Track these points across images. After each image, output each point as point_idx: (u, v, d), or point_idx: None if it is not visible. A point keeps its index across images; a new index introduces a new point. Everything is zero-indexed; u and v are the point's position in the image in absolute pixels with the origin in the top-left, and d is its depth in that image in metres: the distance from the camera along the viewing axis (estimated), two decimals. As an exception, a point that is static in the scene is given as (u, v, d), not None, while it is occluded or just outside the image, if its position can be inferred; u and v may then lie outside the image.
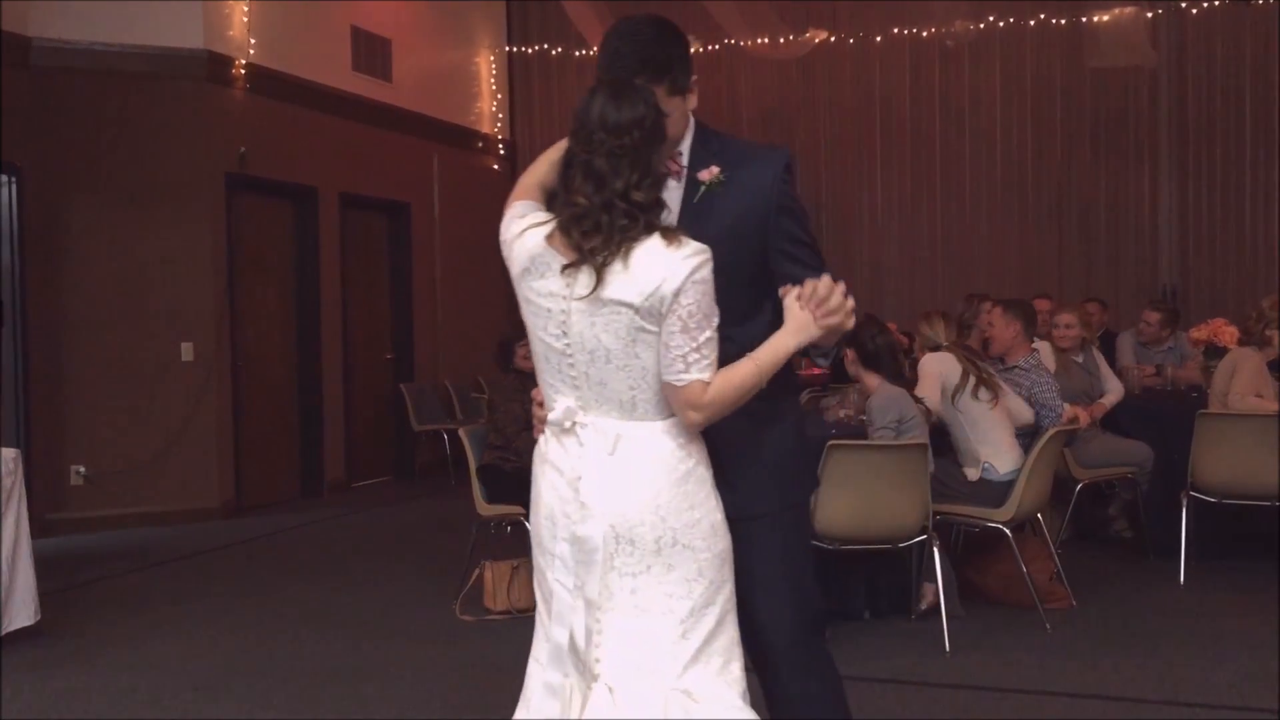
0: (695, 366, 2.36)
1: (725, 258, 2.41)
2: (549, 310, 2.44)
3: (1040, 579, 5.57)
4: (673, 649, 2.42)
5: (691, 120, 2.66)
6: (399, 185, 10.86)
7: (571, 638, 2.45)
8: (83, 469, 8.33)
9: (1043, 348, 6.56)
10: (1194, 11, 10.94)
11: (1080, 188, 11.36)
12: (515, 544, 6.14)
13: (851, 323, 2.44)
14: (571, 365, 2.44)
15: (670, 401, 2.41)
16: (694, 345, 2.35)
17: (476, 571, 5.90)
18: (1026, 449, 5.53)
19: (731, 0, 10.97)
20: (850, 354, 5.47)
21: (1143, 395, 7.27)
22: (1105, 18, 10.86)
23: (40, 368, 8.15)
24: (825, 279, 2.42)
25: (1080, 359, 6.96)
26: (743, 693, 2.47)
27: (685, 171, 2.62)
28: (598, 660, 2.44)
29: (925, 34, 11.58)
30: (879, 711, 4.32)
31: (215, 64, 8.67)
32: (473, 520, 6.17)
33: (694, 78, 2.62)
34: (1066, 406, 6.05)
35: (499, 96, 12.52)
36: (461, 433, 6.29)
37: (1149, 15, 10.83)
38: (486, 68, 12.40)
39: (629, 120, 2.38)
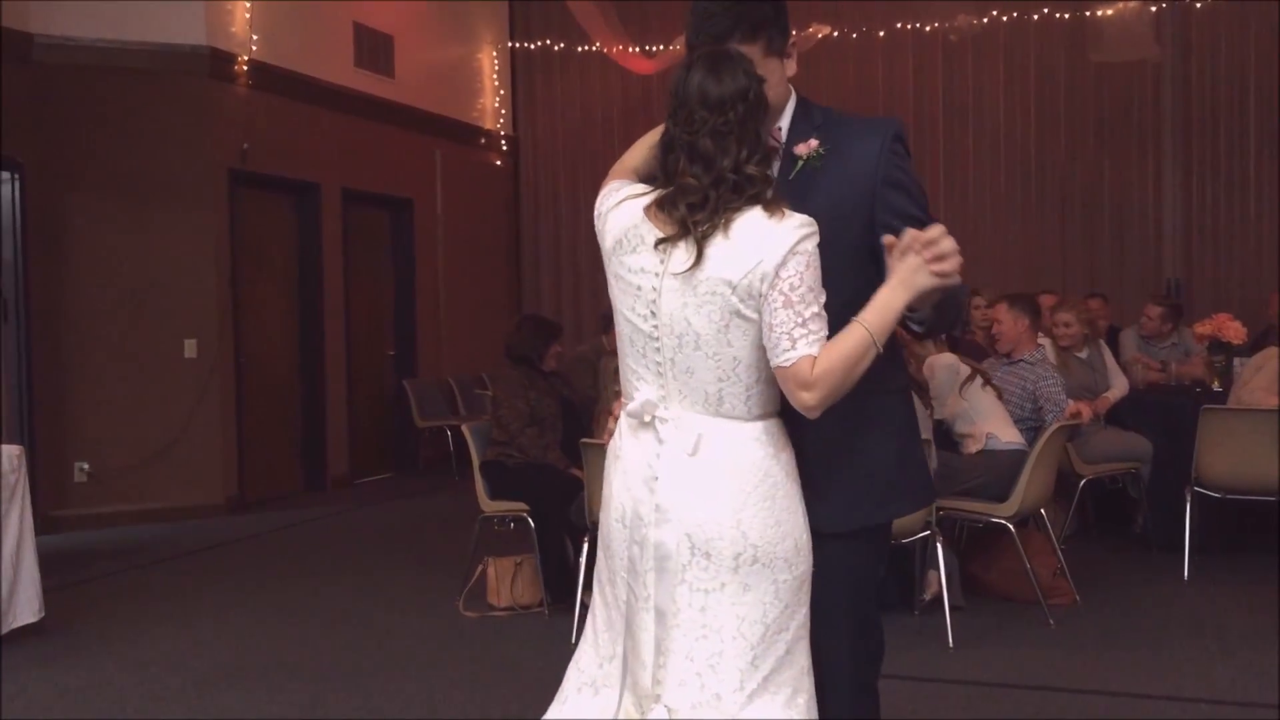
0: (802, 342, 2.13)
1: (825, 239, 2.20)
2: (639, 288, 2.26)
3: (1044, 574, 5.56)
4: (740, 677, 2.22)
5: (793, 92, 2.46)
6: (402, 181, 10.86)
7: (636, 651, 2.28)
8: (86, 465, 8.34)
9: (1045, 344, 6.57)
10: (1198, 5, 10.91)
11: (1084, 182, 11.33)
12: (518, 540, 6.15)
13: (957, 275, 2.16)
14: (658, 350, 2.25)
15: (783, 388, 2.19)
16: (799, 320, 2.13)
17: (479, 568, 5.91)
18: (1030, 443, 5.54)
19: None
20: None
21: (1146, 390, 7.26)
22: (1109, 12, 10.83)
23: (43, 364, 8.15)
24: (934, 226, 2.15)
25: (1085, 354, 6.95)
26: None
27: (783, 147, 2.41)
28: (659, 682, 2.26)
29: (929, 29, 11.56)
30: (883, 707, 4.30)
31: (217, 60, 8.66)
32: (476, 516, 6.17)
33: (792, 40, 2.43)
34: (1070, 401, 6.05)
35: (501, 92, 12.51)
36: (464, 429, 6.29)
37: (1153, 9, 10.80)
38: (489, 63, 12.39)
39: (731, 93, 2.21)
